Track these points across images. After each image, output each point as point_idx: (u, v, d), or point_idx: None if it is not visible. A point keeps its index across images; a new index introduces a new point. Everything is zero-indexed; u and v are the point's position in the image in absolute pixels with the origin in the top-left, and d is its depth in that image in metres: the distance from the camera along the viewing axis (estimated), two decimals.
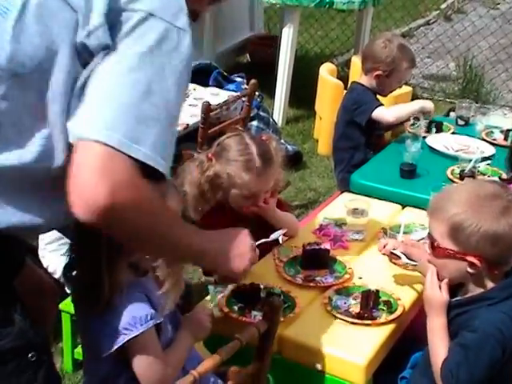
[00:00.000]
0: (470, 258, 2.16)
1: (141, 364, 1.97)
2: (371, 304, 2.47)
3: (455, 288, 2.32)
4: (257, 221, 2.84)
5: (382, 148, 4.00)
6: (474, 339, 2.12)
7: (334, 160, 4.30)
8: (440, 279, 2.28)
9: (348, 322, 2.41)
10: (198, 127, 3.81)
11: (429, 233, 2.30)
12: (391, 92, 4.16)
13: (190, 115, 4.32)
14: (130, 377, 2.02)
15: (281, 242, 2.92)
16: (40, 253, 2.97)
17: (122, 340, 1.93)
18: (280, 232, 2.78)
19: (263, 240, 2.69)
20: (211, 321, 2.18)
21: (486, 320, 2.14)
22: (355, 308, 2.48)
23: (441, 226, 2.20)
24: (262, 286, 2.55)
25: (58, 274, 2.94)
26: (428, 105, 4.11)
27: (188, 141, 3.96)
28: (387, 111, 4.00)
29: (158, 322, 1.98)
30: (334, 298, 2.53)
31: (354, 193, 3.45)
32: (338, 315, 2.44)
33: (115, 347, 1.93)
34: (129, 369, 2.00)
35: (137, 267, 1.99)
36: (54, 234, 2.91)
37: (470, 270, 2.19)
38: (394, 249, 2.62)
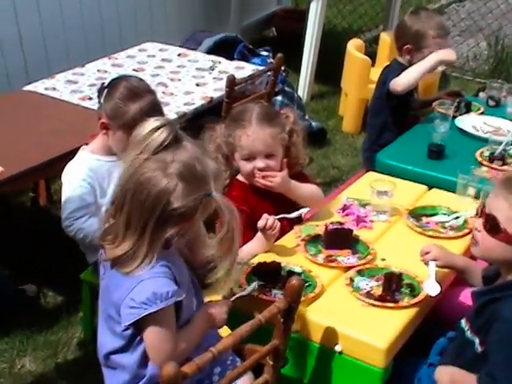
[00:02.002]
0: None
1: (153, 338, 2.00)
2: (394, 287, 2.45)
3: (492, 278, 2.28)
4: (281, 198, 2.84)
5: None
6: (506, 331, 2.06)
7: (365, 137, 4.27)
8: (478, 256, 2.26)
9: (369, 304, 2.40)
10: (223, 101, 3.79)
11: (486, 211, 2.17)
12: None
13: (214, 89, 4.29)
14: (140, 354, 2.06)
15: (303, 218, 2.91)
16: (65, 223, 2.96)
17: (139, 314, 1.95)
18: (302, 210, 2.78)
19: (284, 215, 2.71)
20: (228, 312, 2.22)
21: None
22: (377, 290, 2.46)
23: (510, 210, 2.11)
24: (282, 265, 2.54)
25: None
26: (446, 55, 3.86)
27: (212, 114, 3.95)
28: (397, 79, 3.83)
29: (179, 299, 2.00)
30: (355, 279, 2.52)
31: (379, 172, 3.42)
32: (360, 297, 2.42)
33: (133, 320, 1.97)
34: (139, 346, 2.05)
35: (168, 243, 2.01)
36: (76, 204, 2.91)
37: None
38: (434, 260, 2.52)
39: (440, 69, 3.95)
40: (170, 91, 4.26)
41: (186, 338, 2.08)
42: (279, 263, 2.54)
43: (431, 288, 2.43)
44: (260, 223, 2.64)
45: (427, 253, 2.53)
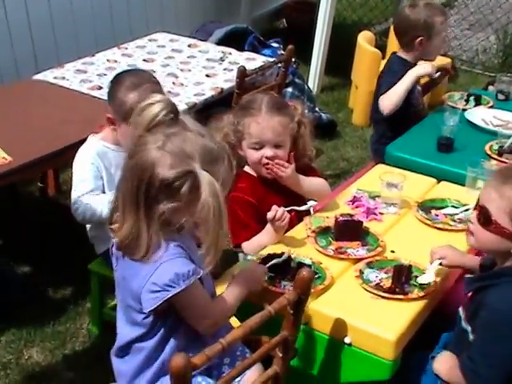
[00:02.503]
0: None
1: (193, 315, 2.07)
2: (403, 279, 2.45)
3: (489, 267, 2.29)
4: (289, 190, 2.84)
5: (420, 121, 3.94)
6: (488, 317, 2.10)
7: (373, 130, 4.26)
8: (475, 247, 2.30)
9: (379, 296, 2.39)
10: (233, 92, 3.78)
11: (480, 203, 2.18)
12: (438, 53, 4.05)
13: (225, 80, 4.29)
14: (158, 339, 2.09)
15: (312, 212, 2.90)
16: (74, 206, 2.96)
17: (163, 297, 1.98)
18: (311, 203, 2.78)
19: (293, 207, 2.71)
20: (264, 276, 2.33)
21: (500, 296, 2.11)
22: (387, 282, 2.45)
23: (502, 201, 2.11)
24: (292, 256, 2.53)
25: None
26: (423, 69, 3.89)
27: (221, 105, 3.95)
28: (383, 102, 3.86)
29: (200, 275, 2.04)
30: (365, 271, 2.51)
31: (388, 165, 3.41)
32: (369, 289, 2.42)
33: (157, 303, 1.99)
34: (160, 331, 2.08)
35: (170, 223, 2.02)
36: (88, 186, 2.92)
37: None
38: (441, 258, 2.52)
39: (435, 76, 3.95)
40: (180, 82, 4.26)
41: (224, 305, 2.16)
42: (289, 255, 2.53)
43: (424, 278, 2.45)
44: (269, 214, 2.64)
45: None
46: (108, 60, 4.54)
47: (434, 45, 3.91)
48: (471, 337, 2.20)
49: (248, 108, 2.84)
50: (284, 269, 2.48)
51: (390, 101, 3.83)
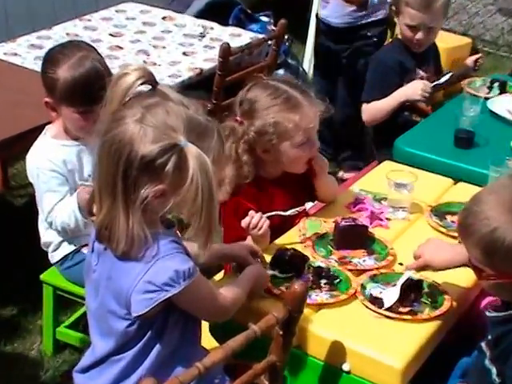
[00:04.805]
0: None
1: (202, 307, 2.16)
2: (412, 296, 2.45)
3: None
4: (296, 189, 2.91)
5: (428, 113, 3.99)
6: None
7: None
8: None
9: (383, 315, 2.40)
10: (214, 73, 3.78)
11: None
12: (420, 42, 4.00)
13: (205, 59, 4.29)
14: (146, 345, 2.11)
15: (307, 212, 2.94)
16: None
17: (159, 298, 2.00)
18: (301, 208, 2.81)
19: (278, 212, 2.73)
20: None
21: None
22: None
23: (472, 253, 2.16)
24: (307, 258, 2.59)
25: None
26: (411, 94, 3.90)
27: (201, 88, 3.95)
28: (364, 113, 3.98)
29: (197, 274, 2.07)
30: (367, 286, 2.52)
31: (397, 162, 3.42)
32: (372, 307, 2.42)
33: (153, 305, 2.01)
34: (149, 335, 2.10)
35: (154, 211, 2.03)
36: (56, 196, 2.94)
37: None
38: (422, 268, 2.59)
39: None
40: (153, 61, 4.26)
41: (236, 285, 2.29)
42: (303, 255, 2.58)
43: (388, 297, 2.45)
44: (243, 221, 2.65)
45: (419, 257, 2.60)
46: (68, 34, 4.53)
47: (401, 28, 4.01)
48: (497, 380, 2.18)
49: (276, 105, 2.79)
50: (294, 271, 2.53)
51: (371, 116, 3.98)
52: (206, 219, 1.98)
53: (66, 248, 3.06)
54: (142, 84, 2.04)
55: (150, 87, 2.07)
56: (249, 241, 2.67)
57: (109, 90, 2.05)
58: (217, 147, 2.04)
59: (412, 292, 2.45)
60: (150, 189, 1.97)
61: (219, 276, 2.87)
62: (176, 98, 2.06)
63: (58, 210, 2.92)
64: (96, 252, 2.13)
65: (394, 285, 2.49)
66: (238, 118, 2.82)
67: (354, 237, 2.70)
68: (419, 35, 3.88)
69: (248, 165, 2.81)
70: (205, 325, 2.30)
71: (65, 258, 3.07)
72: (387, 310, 2.40)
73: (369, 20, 4.70)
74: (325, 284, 2.51)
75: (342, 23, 4.72)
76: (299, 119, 2.77)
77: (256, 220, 2.64)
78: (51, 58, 2.93)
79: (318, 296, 2.46)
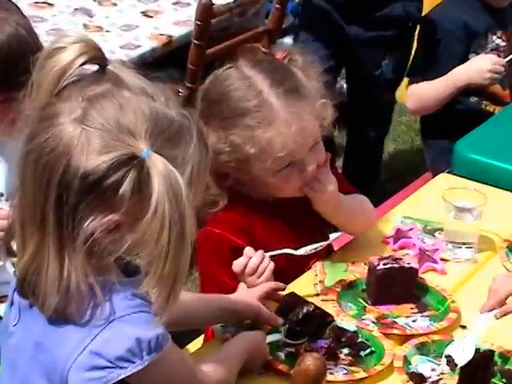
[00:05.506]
0: None
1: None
2: (479, 374, 2.45)
3: None
4: (306, 220, 2.89)
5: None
6: None
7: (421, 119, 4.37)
8: None
9: None
10: (190, 43, 3.80)
11: None
12: None
13: (175, 22, 4.32)
14: None
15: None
16: None
17: (113, 378, 1.96)
18: (320, 244, 2.80)
19: (287, 250, 2.72)
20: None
21: None
22: (451, 380, 2.46)
23: None
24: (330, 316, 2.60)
25: None
26: (479, 74, 3.97)
27: (171, 66, 3.95)
28: (409, 97, 4.10)
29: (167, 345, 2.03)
30: (412, 360, 2.52)
31: (457, 175, 3.44)
32: None
33: None
34: None
35: (105, 252, 1.99)
36: None
37: None
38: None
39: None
40: (98, 24, 4.28)
41: (222, 364, 2.29)
42: (325, 313, 2.60)
43: (460, 354, 2.45)
44: (236, 264, 2.65)
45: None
46: None
47: None
48: None
49: (242, 109, 2.75)
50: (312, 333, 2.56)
51: (419, 103, 4.08)
52: (173, 266, 1.92)
53: None
54: (84, 63, 1.98)
55: (96, 68, 2.02)
56: (241, 290, 2.67)
57: (35, 72, 1.99)
58: (197, 156, 1.98)
59: (480, 368, 2.45)
60: (97, 221, 1.92)
61: (198, 343, 2.88)
62: (135, 84, 2.01)
63: None
64: (17, 307, 2.10)
65: None
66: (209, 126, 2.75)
67: (398, 285, 2.71)
68: None
69: (214, 187, 2.74)
70: None
71: None
72: None
73: None
74: (346, 355, 2.51)
75: None
76: (269, 140, 2.70)
77: (255, 262, 2.63)
78: None
79: (329, 372, 2.42)
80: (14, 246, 2.05)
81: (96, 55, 2.01)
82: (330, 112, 2.85)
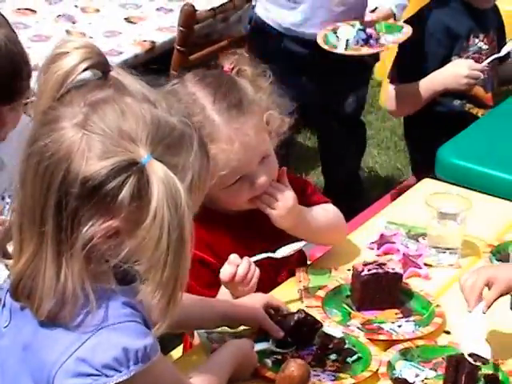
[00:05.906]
0: None
1: None
2: (464, 379, 2.45)
3: None
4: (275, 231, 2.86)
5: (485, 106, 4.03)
6: None
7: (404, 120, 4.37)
8: None
9: None
10: (173, 49, 3.80)
11: None
12: None
13: (158, 28, 4.32)
14: None
15: (307, 255, 2.94)
16: None
17: None
18: (297, 245, 2.79)
19: (265, 255, 2.72)
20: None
21: None
22: None
23: None
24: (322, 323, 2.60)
25: None
26: (455, 80, 3.97)
27: (152, 72, 3.95)
28: (392, 95, 4.11)
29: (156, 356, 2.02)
30: (396, 365, 2.53)
31: (441, 180, 3.46)
32: None
33: None
34: None
35: (103, 259, 2.00)
36: None
37: None
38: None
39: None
40: (81, 30, 4.28)
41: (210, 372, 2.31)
42: (315, 321, 2.59)
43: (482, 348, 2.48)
44: (223, 273, 2.65)
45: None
46: None
47: None
48: None
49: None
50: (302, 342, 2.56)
51: (398, 105, 4.09)
52: (172, 272, 1.93)
53: None
54: (87, 69, 1.98)
55: (98, 74, 2.01)
56: (247, 297, 2.68)
57: (39, 76, 2.02)
58: (197, 164, 2.00)
59: (463, 374, 2.44)
60: (96, 226, 1.93)
61: (177, 352, 2.88)
62: (137, 91, 2.01)
63: None
64: (8, 309, 2.11)
65: (437, 364, 2.52)
66: None
67: (383, 291, 2.72)
68: None
69: None
70: None
71: None
72: None
73: None
74: (333, 361, 2.51)
75: None
76: (213, 157, 2.55)
77: (244, 270, 2.63)
78: None
79: (317, 378, 2.44)
80: (10, 248, 2.05)
81: (99, 61, 2.00)
82: (281, 122, 2.86)
